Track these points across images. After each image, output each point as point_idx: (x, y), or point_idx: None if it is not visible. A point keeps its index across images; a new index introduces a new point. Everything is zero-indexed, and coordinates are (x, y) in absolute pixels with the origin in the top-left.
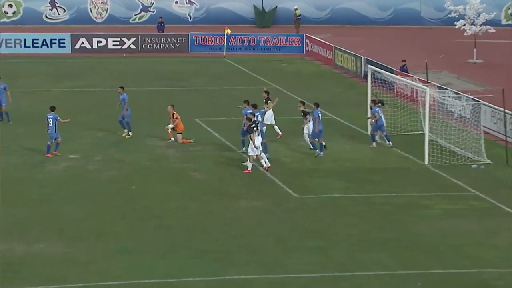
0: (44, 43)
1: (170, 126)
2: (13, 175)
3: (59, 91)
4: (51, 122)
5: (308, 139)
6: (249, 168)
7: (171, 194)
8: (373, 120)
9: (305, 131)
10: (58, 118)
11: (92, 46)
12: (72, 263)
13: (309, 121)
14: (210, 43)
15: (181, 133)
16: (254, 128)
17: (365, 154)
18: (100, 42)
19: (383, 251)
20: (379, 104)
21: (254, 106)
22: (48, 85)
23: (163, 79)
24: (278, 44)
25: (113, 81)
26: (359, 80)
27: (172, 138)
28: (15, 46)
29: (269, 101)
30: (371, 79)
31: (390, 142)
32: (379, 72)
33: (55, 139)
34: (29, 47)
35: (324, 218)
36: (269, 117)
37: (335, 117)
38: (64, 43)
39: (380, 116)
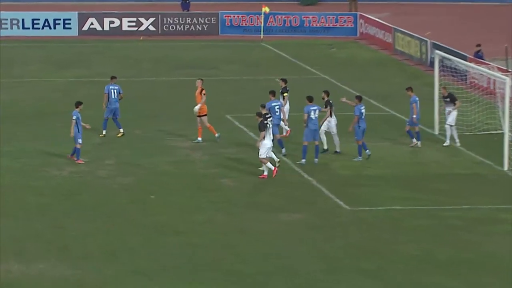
0: (46, 23)
1: (197, 108)
2: (9, 182)
3: (63, 81)
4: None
5: (325, 138)
6: (266, 173)
7: (196, 205)
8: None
9: (323, 127)
10: (74, 117)
11: (103, 28)
12: (78, 287)
13: (330, 115)
14: (244, 24)
15: (206, 115)
16: (268, 125)
17: (431, 157)
18: (113, 22)
19: (451, 275)
20: (447, 99)
21: (310, 99)
22: (50, 74)
23: (187, 67)
24: (326, 25)
25: (127, 69)
26: (424, 69)
27: (200, 138)
28: (11, 28)
29: (285, 94)
30: (439, 68)
31: (418, 141)
32: (449, 59)
33: (78, 142)
34: (28, 28)
35: (381, 234)
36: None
37: (395, 113)
38: (69, 24)
39: (415, 109)
